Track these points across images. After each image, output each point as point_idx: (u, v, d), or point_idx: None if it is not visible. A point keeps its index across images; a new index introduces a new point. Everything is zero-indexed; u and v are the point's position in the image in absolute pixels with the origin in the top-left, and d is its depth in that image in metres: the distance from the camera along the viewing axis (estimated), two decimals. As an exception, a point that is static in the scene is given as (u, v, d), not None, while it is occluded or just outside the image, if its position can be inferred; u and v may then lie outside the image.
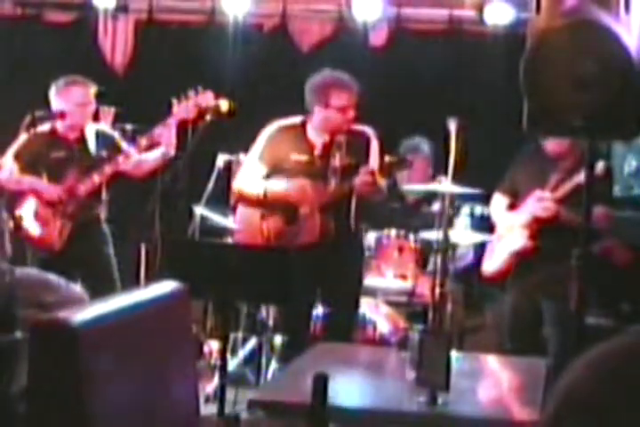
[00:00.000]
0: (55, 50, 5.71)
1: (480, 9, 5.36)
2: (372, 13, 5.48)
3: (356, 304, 4.29)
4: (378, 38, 5.58)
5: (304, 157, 4.13)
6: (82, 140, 4.55)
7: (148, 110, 4.82)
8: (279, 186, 4.13)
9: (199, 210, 4.89)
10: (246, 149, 5.11)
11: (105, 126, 4.80)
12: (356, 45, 5.52)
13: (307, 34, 5.65)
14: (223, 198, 5.06)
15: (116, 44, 5.82)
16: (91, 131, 4.60)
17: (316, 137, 4.15)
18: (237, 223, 4.40)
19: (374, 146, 4.14)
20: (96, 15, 5.79)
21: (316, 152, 4.14)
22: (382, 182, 4.06)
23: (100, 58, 5.80)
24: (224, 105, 4.38)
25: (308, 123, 4.18)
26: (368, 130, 4.14)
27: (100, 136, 4.59)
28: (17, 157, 4.47)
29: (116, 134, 4.70)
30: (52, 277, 2.74)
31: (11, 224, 4.34)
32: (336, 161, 4.07)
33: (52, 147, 4.50)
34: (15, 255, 4.23)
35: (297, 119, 4.22)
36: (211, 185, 4.88)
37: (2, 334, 2.29)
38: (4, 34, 5.86)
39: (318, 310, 4.49)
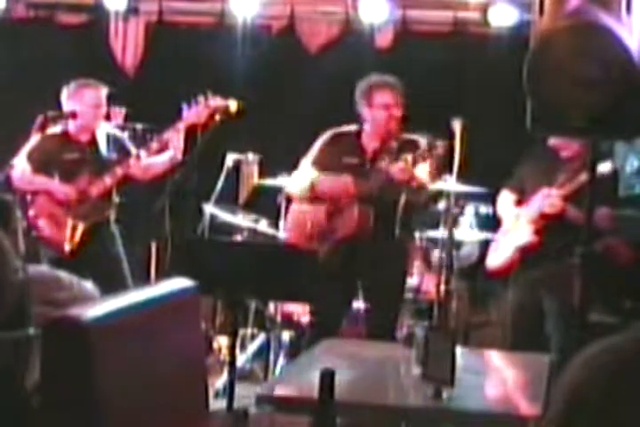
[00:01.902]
0: (67, 51, 5.75)
1: (484, 11, 5.39)
2: (378, 15, 5.52)
3: (396, 304, 4.28)
4: (384, 40, 5.62)
5: (355, 160, 4.20)
6: (93, 142, 4.58)
7: (158, 110, 4.87)
8: (324, 180, 4.21)
9: (209, 208, 4.93)
10: (255, 149, 5.18)
11: (115, 129, 4.81)
12: (363, 47, 5.56)
13: (314, 35, 5.68)
14: (232, 197, 5.12)
15: (127, 45, 5.86)
16: (102, 133, 4.63)
17: (370, 143, 4.23)
18: (286, 222, 4.47)
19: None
20: (107, 17, 5.84)
21: (368, 156, 4.20)
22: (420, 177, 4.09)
23: (110, 59, 5.84)
24: (233, 105, 4.43)
25: (363, 131, 4.26)
26: (421, 139, 4.17)
27: (110, 139, 4.62)
28: (30, 157, 4.50)
29: (126, 138, 4.72)
30: (64, 275, 2.76)
31: (24, 223, 4.39)
32: (383, 163, 4.13)
33: (65, 148, 4.54)
34: (28, 254, 4.29)
35: (352, 127, 4.30)
36: (220, 184, 4.93)
37: (15, 331, 2.30)
38: (16, 35, 5.89)
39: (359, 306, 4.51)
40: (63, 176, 4.51)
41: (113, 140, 4.64)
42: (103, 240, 4.57)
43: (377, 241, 4.13)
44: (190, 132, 4.45)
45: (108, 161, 4.56)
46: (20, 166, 4.50)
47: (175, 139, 4.41)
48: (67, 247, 4.46)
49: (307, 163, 4.30)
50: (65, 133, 4.58)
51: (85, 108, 4.50)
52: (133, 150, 4.58)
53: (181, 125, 4.40)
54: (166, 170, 4.56)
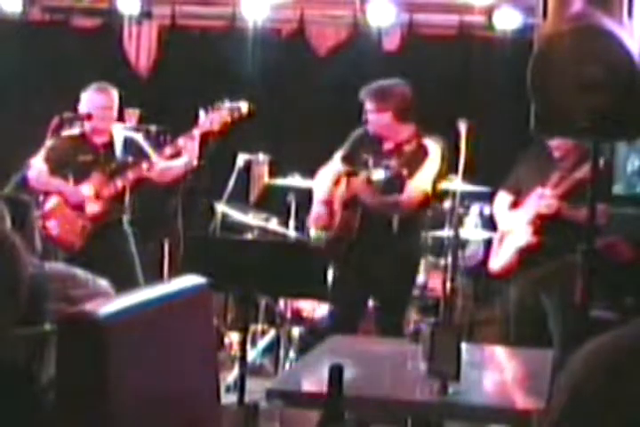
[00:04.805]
0: (82, 54, 5.78)
1: (489, 15, 5.42)
2: (385, 19, 5.55)
3: (399, 302, 4.30)
4: (391, 43, 5.65)
5: (369, 158, 4.24)
6: (109, 144, 4.62)
7: (172, 112, 4.94)
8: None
9: (220, 207, 4.97)
10: (265, 149, 5.24)
11: (133, 132, 4.82)
12: (370, 50, 5.58)
13: (323, 38, 5.71)
14: (243, 196, 5.18)
15: (141, 48, 5.90)
16: (119, 136, 4.66)
17: (384, 142, 4.27)
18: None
19: (430, 162, 4.16)
20: (121, 21, 5.88)
21: (381, 155, 4.23)
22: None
23: (124, 62, 5.87)
24: (244, 107, 4.51)
25: None
26: (432, 144, 4.18)
27: (127, 142, 4.65)
28: (47, 158, 4.53)
29: (145, 142, 4.69)
30: (80, 272, 2.79)
31: (40, 223, 4.46)
32: (391, 164, 4.16)
33: (80, 150, 4.58)
34: (43, 253, 4.36)
35: None
36: (231, 183, 4.97)
37: (31, 327, 2.34)
38: (32, 38, 5.94)
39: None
40: (76, 177, 4.55)
41: (129, 143, 4.66)
42: (115, 239, 4.59)
43: (373, 240, 4.15)
44: (204, 139, 4.50)
45: (123, 163, 4.58)
46: (37, 167, 4.54)
47: (190, 145, 4.47)
48: (76, 247, 4.49)
49: (337, 157, 4.36)
50: (82, 135, 4.61)
51: (95, 110, 4.54)
52: (151, 153, 4.59)
53: (196, 132, 4.44)
54: (181, 174, 4.60)
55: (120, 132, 4.70)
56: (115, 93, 4.64)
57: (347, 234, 4.20)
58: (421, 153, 4.17)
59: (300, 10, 5.75)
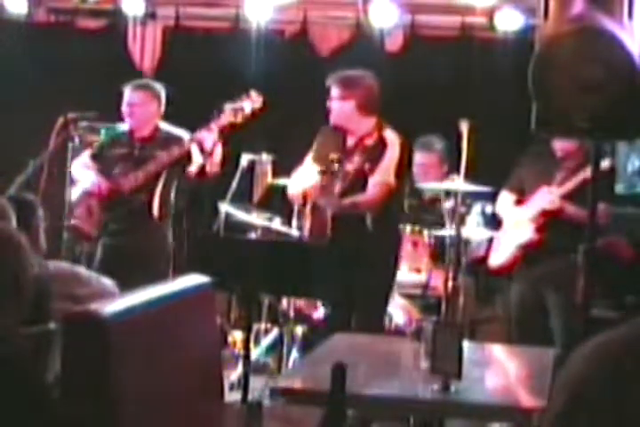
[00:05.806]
0: (87, 55, 5.80)
1: (490, 16, 5.43)
2: (387, 20, 5.55)
3: (379, 301, 4.27)
4: (393, 44, 5.66)
5: (335, 156, 4.22)
6: (147, 139, 4.68)
7: (175, 112, 4.96)
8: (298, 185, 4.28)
9: (224, 207, 5.00)
10: (269, 149, 5.27)
11: (182, 130, 4.74)
12: (373, 50, 5.57)
13: (326, 39, 5.72)
14: (247, 196, 5.20)
15: (145, 49, 5.91)
16: (163, 131, 4.71)
17: (349, 138, 4.26)
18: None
19: (389, 153, 4.12)
20: (126, 22, 5.89)
21: (346, 153, 4.20)
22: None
23: (129, 62, 5.89)
24: (247, 107, 4.53)
25: None
26: (391, 136, 4.14)
27: (167, 136, 4.67)
28: (94, 154, 4.68)
29: (188, 138, 4.62)
30: (83, 271, 2.81)
31: (46, 223, 4.51)
32: (351, 164, 4.12)
33: (119, 144, 4.68)
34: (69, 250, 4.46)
35: None
36: (235, 183, 5.00)
37: (36, 326, 2.37)
38: (37, 40, 5.97)
39: None
40: (110, 170, 4.65)
41: (169, 138, 4.67)
42: (159, 239, 4.64)
43: (349, 241, 4.10)
44: (227, 132, 4.49)
45: (151, 156, 4.60)
46: (81, 158, 4.67)
47: (209, 139, 4.45)
48: (92, 236, 4.60)
49: (309, 159, 4.33)
50: (129, 130, 4.71)
51: (125, 107, 4.66)
52: (193, 151, 4.55)
53: (214, 125, 4.45)
54: (216, 170, 4.58)
55: (166, 128, 4.74)
56: (150, 91, 4.70)
57: (320, 237, 4.16)
58: (381, 146, 4.14)
59: (303, 11, 5.76)
